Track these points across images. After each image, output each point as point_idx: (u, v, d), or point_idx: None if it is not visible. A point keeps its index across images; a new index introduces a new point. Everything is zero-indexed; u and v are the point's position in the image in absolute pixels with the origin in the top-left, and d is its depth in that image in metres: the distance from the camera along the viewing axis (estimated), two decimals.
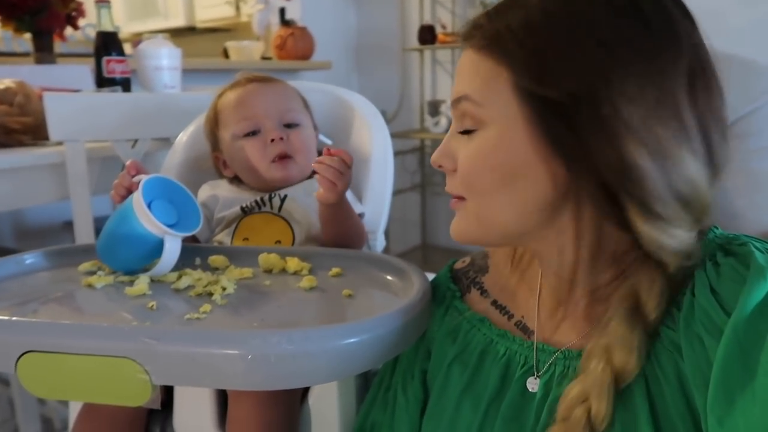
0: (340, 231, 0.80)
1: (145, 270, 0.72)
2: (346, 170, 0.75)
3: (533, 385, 0.54)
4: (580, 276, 0.52)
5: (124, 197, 0.76)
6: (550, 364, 0.54)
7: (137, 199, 0.70)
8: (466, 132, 0.52)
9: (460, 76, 0.52)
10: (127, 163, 0.78)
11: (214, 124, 0.95)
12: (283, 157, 0.88)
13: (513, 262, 0.63)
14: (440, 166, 0.55)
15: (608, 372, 0.47)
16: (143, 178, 0.72)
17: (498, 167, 0.50)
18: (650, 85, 0.46)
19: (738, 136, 0.77)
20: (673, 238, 0.47)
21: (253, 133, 0.89)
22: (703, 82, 0.48)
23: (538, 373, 0.55)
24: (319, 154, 0.97)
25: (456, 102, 0.52)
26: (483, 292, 0.64)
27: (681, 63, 0.47)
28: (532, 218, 0.51)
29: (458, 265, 0.69)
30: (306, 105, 0.96)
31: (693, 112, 0.47)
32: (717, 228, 0.53)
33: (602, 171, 0.46)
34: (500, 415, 0.55)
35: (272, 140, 0.88)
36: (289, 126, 0.90)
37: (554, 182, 0.49)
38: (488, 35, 0.50)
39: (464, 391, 0.58)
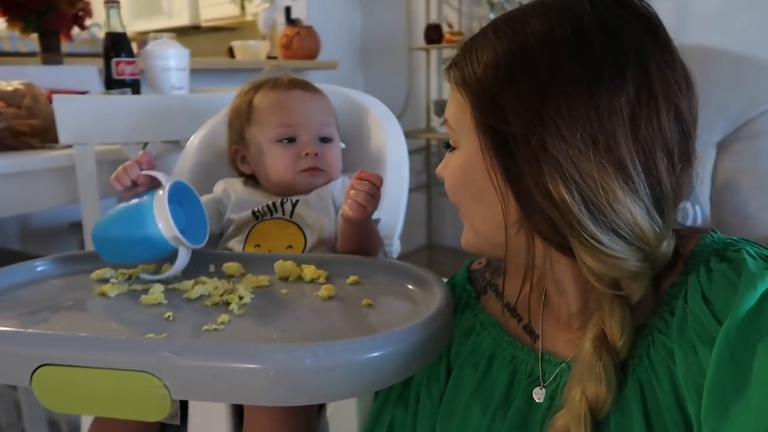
0: (359, 247, 0.79)
1: (145, 271, 0.71)
2: (376, 193, 0.74)
3: (539, 395, 0.55)
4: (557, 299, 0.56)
5: (126, 187, 0.73)
6: (556, 375, 0.55)
7: (161, 201, 0.68)
8: (452, 149, 0.57)
9: (448, 101, 0.57)
10: (140, 152, 0.75)
11: (245, 119, 0.92)
12: (313, 170, 0.88)
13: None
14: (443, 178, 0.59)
15: (584, 403, 0.47)
16: (169, 181, 0.70)
17: (467, 184, 0.55)
18: (585, 122, 0.46)
19: (750, 136, 0.76)
20: (621, 269, 0.48)
21: (289, 140, 0.89)
22: (649, 113, 0.47)
23: (544, 383, 0.55)
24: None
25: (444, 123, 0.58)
26: (498, 293, 0.64)
27: (623, 97, 0.47)
28: (500, 234, 0.53)
29: (475, 266, 0.70)
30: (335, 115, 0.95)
31: (634, 147, 0.47)
32: (716, 232, 0.53)
33: (541, 204, 0.48)
34: (506, 422, 0.55)
35: (306, 154, 0.88)
36: (324, 140, 0.90)
37: (507, 208, 0.52)
38: (459, 72, 0.53)
39: (474, 393, 0.58)
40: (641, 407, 0.47)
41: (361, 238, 0.78)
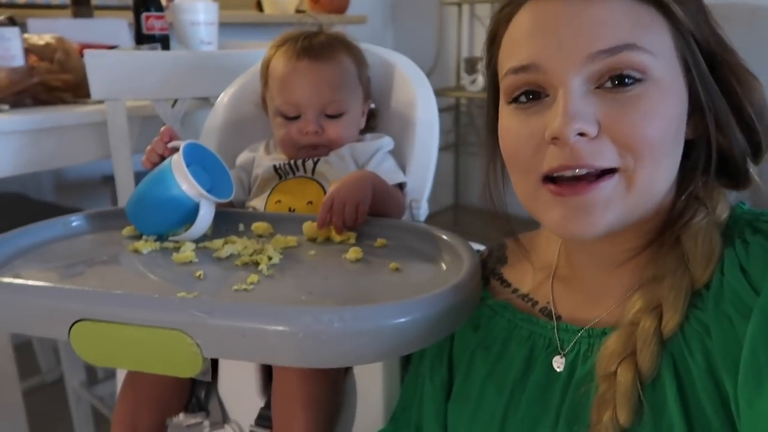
0: (379, 211, 0.78)
1: (174, 234, 0.72)
2: (346, 210, 0.72)
3: (559, 363, 0.54)
4: (631, 242, 0.52)
5: (155, 164, 0.76)
6: (575, 342, 0.54)
7: (178, 160, 0.70)
8: (620, 86, 0.46)
9: (603, 25, 0.46)
10: (161, 129, 0.77)
11: (263, 79, 0.93)
12: (314, 147, 0.88)
13: (527, 249, 0.64)
14: (582, 134, 0.46)
15: (634, 374, 0.46)
16: (183, 143, 0.72)
17: (673, 121, 0.47)
18: None
19: None
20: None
21: (294, 117, 0.88)
22: None
23: (563, 351, 0.54)
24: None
25: (606, 53, 0.45)
26: (503, 282, 0.64)
27: None
28: (675, 174, 0.50)
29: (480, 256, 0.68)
30: (361, 74, 0.92)
31: None
32: (744, 204, 0.52)
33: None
34: (525, 397, 0.55)
35: (307, 132, 0.87)
36: (330, 116, 0.88)
37: (686, 127, 0.50)
38: None
39: (488, 376, 0.58)
40: (674, 382, 0.46)
41: (377, 207, 0.77)
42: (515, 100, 0.50)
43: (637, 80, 0.46)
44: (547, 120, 0.47)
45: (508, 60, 0.51)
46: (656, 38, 0.47)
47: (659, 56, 0.46)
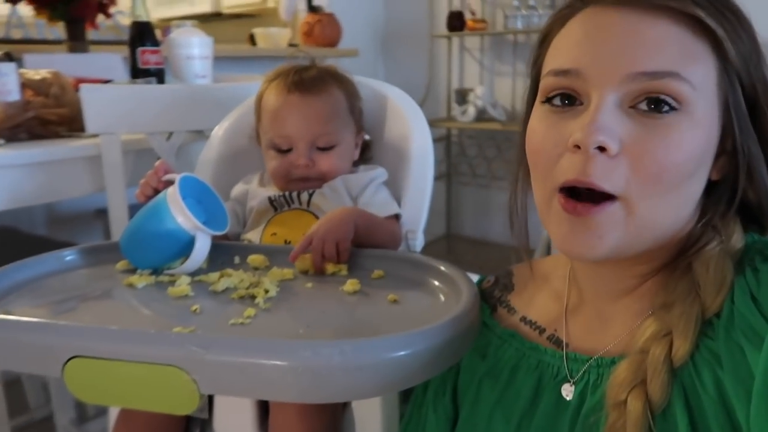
0: (369, 245, 0.78)
1: (169, 268, 0.72)
2: (325, 247, 0.72)
3: (568, 392, 0.53)
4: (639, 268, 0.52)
5: (150, 197, 0.76)
6: (584, 372, 0.53)
7: (173, 193, 0.70)
8: (654, 111, 0.46)
9: (652, 48, 0.46)
10: (156, 163, 0.78)
11: (257, 114, 0.94)
12: (305, 180, 0.88)
13: (534, 276, 0.64)
14: (602, 148, 0.46)
15: (644, 404, 0.46)
16: (179, 175, 0.72)
17: (695, 158, 0.47)
18: None
19: None
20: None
21: (284, 150, 0.88)
22: None
23: (572, 380, 0.54)
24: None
25: (648, 76, 0.45)
26: (510, 309, 0.64)
27: None
28: (688, 212, 0.49)
29: (484, 284, 0.69)
30: (353, 107, 0.93)
31: None
32: (754, 234, 0.52)
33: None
34: (534, 426, 0.54)
35: (298, 165, 0.87)
36: (322, 148, 0.88)
37: (712, 168, 0.49)
38: (692, 8, 0.46)
39: (496, 406, 0.57)
40: (686, 412, 0.45)
41: (364, 241, 0.77)
42: (550, 100, 0.50)
43: (672, 108, 0.46)
44: (574, 127, 0.47)
45: (552, 61, 0.51)
46: (701, 72, 0.46)
47: (700, 90, 0.46)
